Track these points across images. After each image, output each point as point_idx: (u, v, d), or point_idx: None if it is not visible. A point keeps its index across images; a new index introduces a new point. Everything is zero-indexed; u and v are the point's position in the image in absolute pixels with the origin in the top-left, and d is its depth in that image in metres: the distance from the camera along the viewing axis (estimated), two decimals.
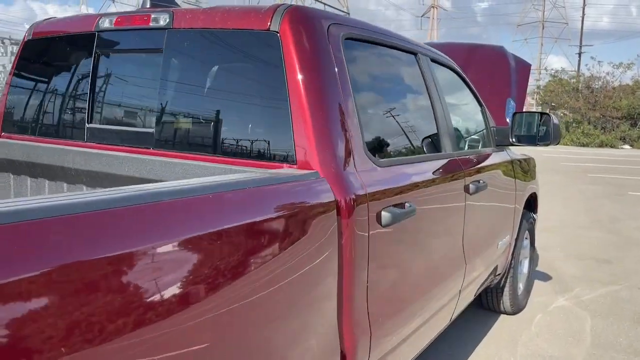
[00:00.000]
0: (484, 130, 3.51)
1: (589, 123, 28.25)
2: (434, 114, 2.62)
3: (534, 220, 4.46)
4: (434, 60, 2.82)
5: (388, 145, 2.23)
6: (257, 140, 1.86)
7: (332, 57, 1.87)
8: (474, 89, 3.40)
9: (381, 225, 1.88)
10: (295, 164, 1.75)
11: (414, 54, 2.60)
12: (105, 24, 2.18)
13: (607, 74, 30.09)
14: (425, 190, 2.27)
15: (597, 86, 29.53)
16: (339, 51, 1.92)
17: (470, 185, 2.77)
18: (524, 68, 4.62)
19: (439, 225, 2.46)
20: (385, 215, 1.88)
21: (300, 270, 1.50)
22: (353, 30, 2.05)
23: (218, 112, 1.94)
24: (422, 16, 59.48)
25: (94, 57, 2.21)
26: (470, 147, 3.38)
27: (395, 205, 1.97)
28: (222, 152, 1.89)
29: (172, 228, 1.13)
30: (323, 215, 1.61)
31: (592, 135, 27.32)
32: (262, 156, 1.83)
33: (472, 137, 3.51)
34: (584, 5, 46.10)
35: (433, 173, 2.41)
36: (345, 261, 1.70)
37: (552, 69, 33.84)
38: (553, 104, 30.57)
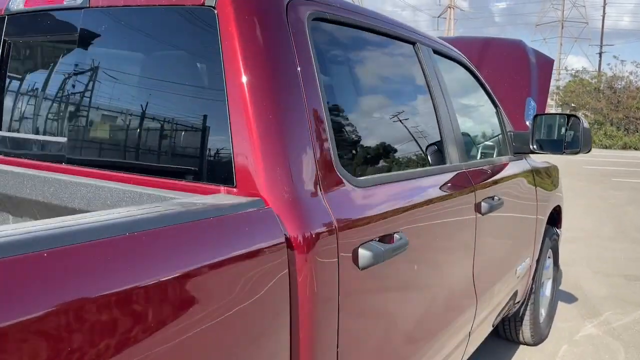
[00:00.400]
0: (500, 136, 3.00)
1: (611, 124, 27.38)
2: (436, 117, 2.13)
3: (558, 236, 3.93)
4: (437, 52, 2.33)
5: (372, 158, 1.74)
6: (187, 154, 1.39)
7: (292, 45, 1.39)
8: (487, 87, 2.89)
9: (358, 267, 1.40)
10: (235, 187, 1.28)
11: (412, 43, 2.11)
12: (18, 5, 1.73)
13: (631, 73, 29.25)
14: (422, 214, 1.78)
15: (619, 86, 28.65)
16: (304, 36, 1.44)
17: (483, 203, 2.27)
18: (545, 64, 4.09)
19: (441, 258, 1.97)
20: (364, 254, 1.40)
21: (229, 343, 1.03)
22: (325, 9, 1.57)
23: (140, 115, 1.47)
24: (438, 17, 58.50)
25: (3, 46, 1.76)
26: (482, 155, 2.88)
27: (380, 239, 1.49)
28: (144, 168, 1.43)
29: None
30: (267, 260, 1.14)
31: (615, 137, 26.45)
32: (193, 175, 1.36)
33: (485, 143, 3.01)
34: (605, 4, 44.99)
35: (433, 191, 1.92)
36: (302, 323, 1.22)
37: (572, 69, 33.02)
38: (573, 105, 29.76)
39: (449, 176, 2.09)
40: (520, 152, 3.01)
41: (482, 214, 2.27)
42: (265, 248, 1.14)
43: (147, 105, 1.46)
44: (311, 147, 1.36)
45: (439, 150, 2.14)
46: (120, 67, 1.55)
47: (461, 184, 2.16)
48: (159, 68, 1.50)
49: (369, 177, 1.60)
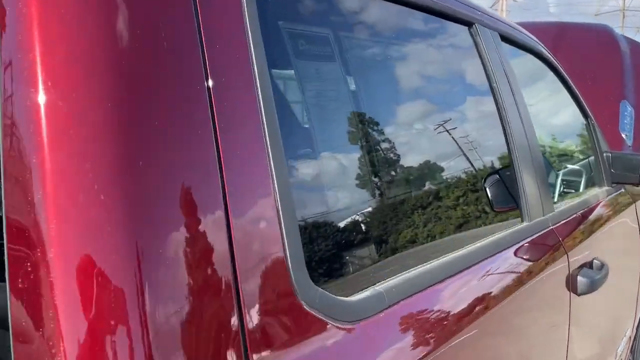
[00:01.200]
0: (591, 158, 2.13)
1: None
2: (509, 149, 1.30)
3: None
4: (507, 39, 1.49)
5: (380, 244, 0.91)
6: None
7: (199, 27, 0.60)
8: (576, 91, 2.02)
9: None
10: None
11: (468, 24, 1.29)
12: None
13: None
14: (481, 335, 0.96)
15: None
16: (234, 11, 0.66)
17: (579, 277, 1.43)
18: None
19: None
20: None
21: None
22: None
23: None
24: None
25: None
26: (565, 187, 2.02)
27: None
28: None
29: None
30: None
31: None
32: None
33: (570, 167, 2.14)
34: None
35: (502, 285, 1.10)
36: None
37: None
38: None
39: (527, 245, 1.26)
40: (622, 182, 2.11)
41: (579, 294, 1.43)
42: None
43: None
44: (227, 253, 0.57)
45: (509, 200, 1.30)
46: None
47: (546, 253, 1.33)
48: None
49: (377, 289, 0.78)
